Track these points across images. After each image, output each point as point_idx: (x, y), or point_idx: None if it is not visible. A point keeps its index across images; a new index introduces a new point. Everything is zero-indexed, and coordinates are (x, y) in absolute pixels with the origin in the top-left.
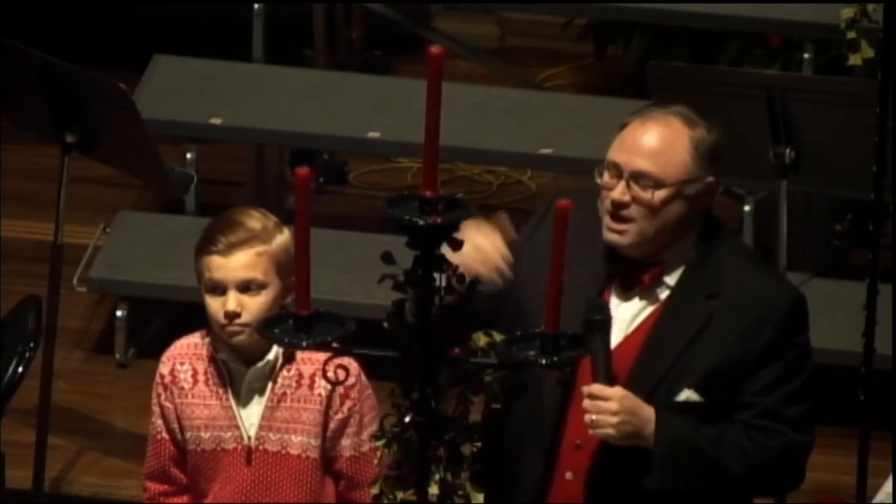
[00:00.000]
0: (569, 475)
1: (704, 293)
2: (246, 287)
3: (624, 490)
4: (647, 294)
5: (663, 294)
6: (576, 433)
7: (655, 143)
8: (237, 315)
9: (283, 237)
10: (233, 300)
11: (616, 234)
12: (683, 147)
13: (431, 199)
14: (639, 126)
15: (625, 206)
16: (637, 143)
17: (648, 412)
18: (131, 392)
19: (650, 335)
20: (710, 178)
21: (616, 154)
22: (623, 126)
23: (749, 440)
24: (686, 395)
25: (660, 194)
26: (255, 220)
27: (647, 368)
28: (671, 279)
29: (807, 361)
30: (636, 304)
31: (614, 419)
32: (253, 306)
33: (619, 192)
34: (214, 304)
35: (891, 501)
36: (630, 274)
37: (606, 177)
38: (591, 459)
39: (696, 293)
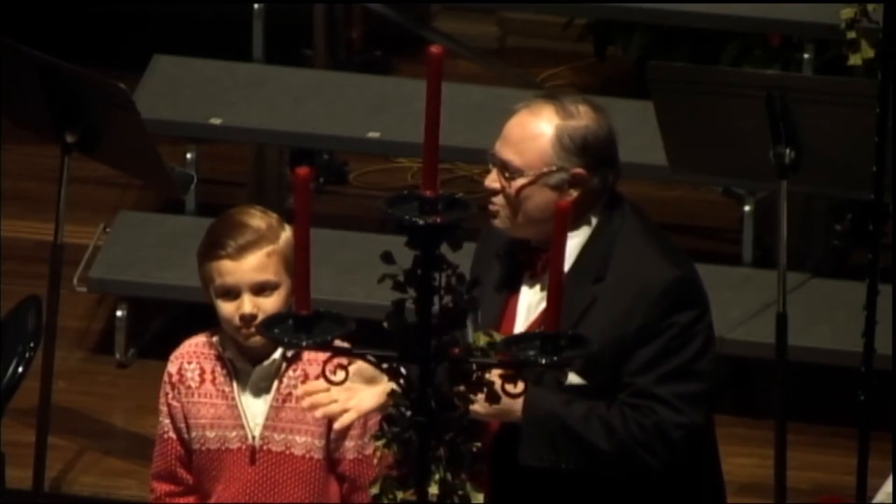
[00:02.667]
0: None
1: (592, 277)
2: (260, 289)
3: (515, 467)
4: (544, 281)
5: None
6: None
7: (519, 132)
8: (254, 317)
9: (288, 234)
10: (248, 303)
11: (493, 218)
12: (546, 137)
13: (431, 199)
14: (515, 115)
15: (495, 192)
16: (506, 132)
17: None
18: (131, 392)
19: (539, 322)
20: (577, 170)
21: (496, 142)
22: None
23: (621, 417)
24: (569, 377)
25: (515, 184)
26: (258, 219)
27: None
28: (566, 265)
29: (691, 341)
30: (536, 291)
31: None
32: (268, 306)
33: (489, 179)
34: (228, 308)
35: (891, 501)
36: (531, 262)
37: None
38: (491, 437)
39: (584, 278)
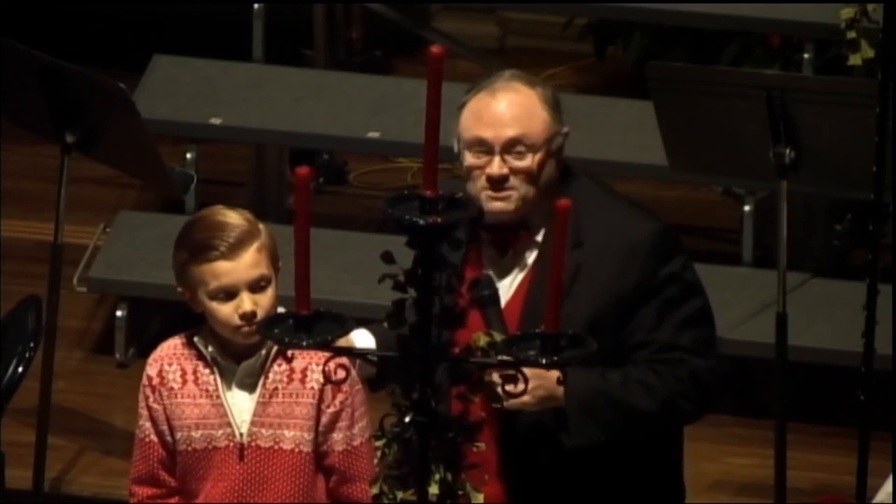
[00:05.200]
0: (481, 446)
1: (569, 245)
2: (256, 285)
3: (539, 451)
4: (519, 258)
5: (532, 254)
6: (475, 409)
7: (516, 110)
8: (255, 315)
9: (265, 227)
10: (248, 301)
11: (501, 203)
12: (538, 107)
13: (431, 199)
14: (489, 99)
15: (504, 178)
16: (498, 114)
17: (555, 373)
18: (131, 392)
19: (527, 298)
20: (566, 129)
21: (479, 130)
22: (462, 105)
23: (655, 374)
24: None
25: (537, 158)
26: (236, 217)
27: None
28: (538, 237)
29: (689, 286)
30: (509, 270)
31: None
32: (265, 302)
33: (496, 166)
34: (225, 310)
35: (891, 501)
36: (500, 240)
37: (471, 156)
38: (497, 429)
39: None
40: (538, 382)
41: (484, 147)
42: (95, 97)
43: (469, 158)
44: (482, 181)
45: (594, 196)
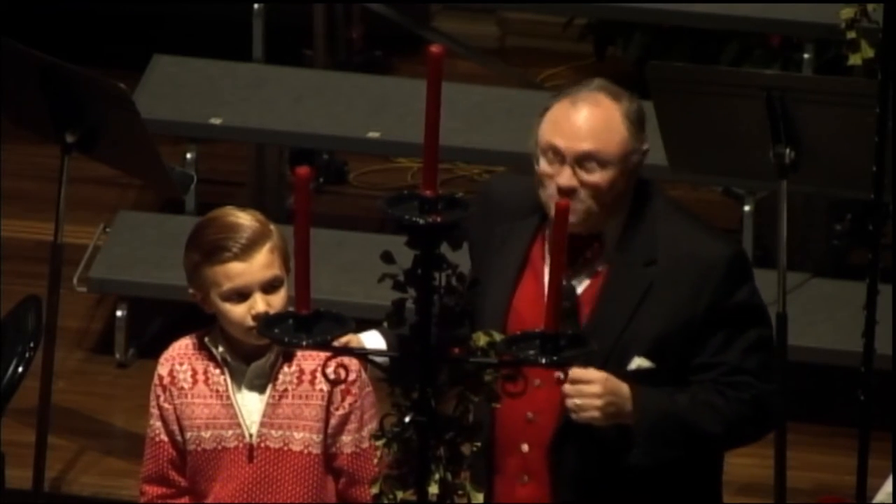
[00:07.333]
0: (525, 447)
1: (642, 261)
2: (269, 286)
3: (593, 460)
4: (587, 267)
5: (601, 266)
6: (526, 406)
7: (594, 123)
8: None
9: (275, 227)
10: (261, 302)
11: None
12: (619, 122)
13: (431, 199)
14: (570, 108)
15: (572, 190)
16: (575, 125)
17: (626, 390)
18: (131, 392)
19: (593, 309)
20: (645, 146)
21: (554, 138)
22: (545, 110)
23: (722, 397)
24: (637, 362)
25: (606, 175)
26: (246, 218)
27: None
28: (610, 249)
29: (757, 311)
30: (575, 277)
31: (599, 402)
32: (277, 302)
33: (566, 178)
34: (238, 311)
35: (891, 501)
36: (571, 249)
37: (545, 163)
38: (548, 433)
39: (633, 262)
40: (611, 399)
41: (557, 156)
42: (95, 97)
43: (542, 164)
44: (552, 188)
45: (670, 216)
